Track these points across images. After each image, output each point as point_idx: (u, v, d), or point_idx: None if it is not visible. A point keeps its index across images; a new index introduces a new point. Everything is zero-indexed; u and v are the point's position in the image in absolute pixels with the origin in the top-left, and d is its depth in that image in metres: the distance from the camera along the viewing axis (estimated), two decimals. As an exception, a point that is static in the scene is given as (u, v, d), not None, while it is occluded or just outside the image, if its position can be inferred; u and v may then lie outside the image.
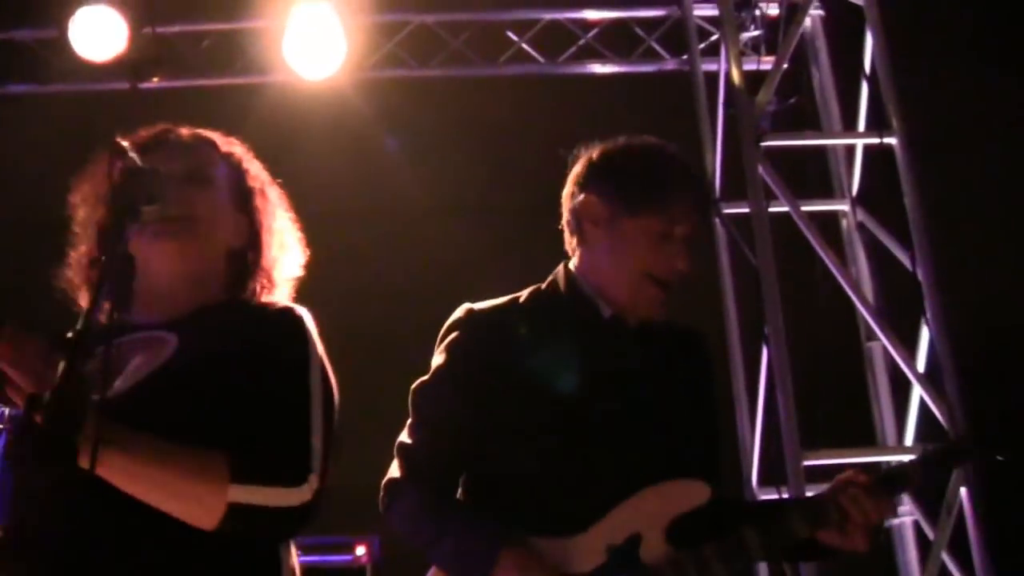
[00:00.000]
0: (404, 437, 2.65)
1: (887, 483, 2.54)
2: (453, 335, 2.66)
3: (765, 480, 5.68)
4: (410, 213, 6.64)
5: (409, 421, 2.67)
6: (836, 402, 6.16)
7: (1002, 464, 2.50)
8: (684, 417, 2.65)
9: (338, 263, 6.30)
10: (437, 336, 2.74)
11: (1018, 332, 5.93)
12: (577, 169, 2.76)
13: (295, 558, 2.42)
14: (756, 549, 2.48)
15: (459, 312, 2.69)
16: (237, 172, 2.57)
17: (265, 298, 2.53)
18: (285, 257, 2.59)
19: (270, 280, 2.55)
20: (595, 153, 2.74)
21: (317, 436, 2.28)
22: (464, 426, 2.59)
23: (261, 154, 2.69)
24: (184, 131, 2.58)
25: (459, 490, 2.66)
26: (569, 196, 2.74)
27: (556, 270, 2.76)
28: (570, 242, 2.75)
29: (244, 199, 2.55)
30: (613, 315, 2.66)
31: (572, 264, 2.74)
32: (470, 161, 6.80)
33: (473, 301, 2.74)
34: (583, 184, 2.71)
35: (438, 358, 2.67)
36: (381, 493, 2.65)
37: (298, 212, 2.69)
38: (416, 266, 6.58)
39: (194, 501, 2.14)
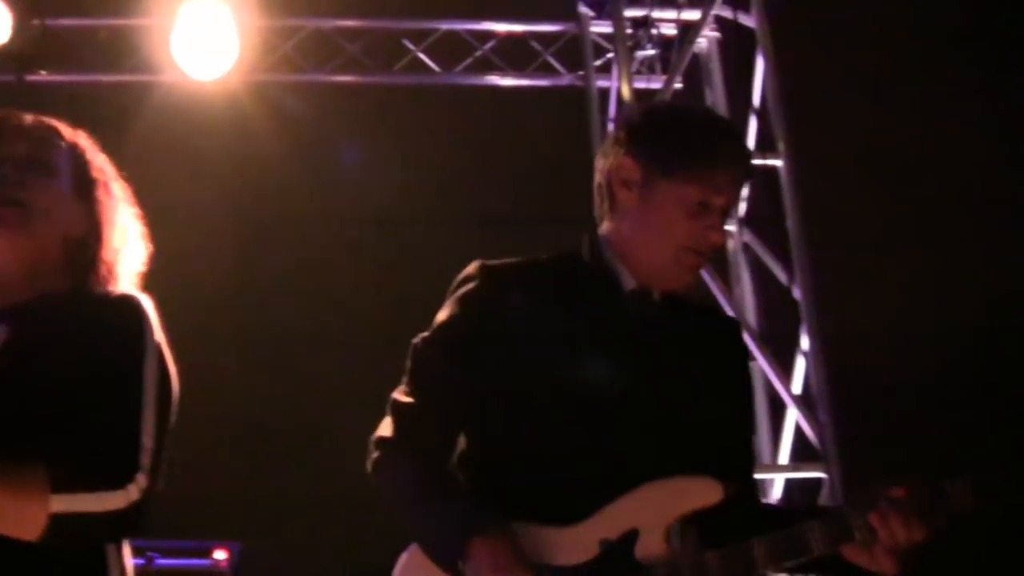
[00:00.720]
0: (400, 394, 2.44)
1: (928, 503, 2.21)
2: (466, 287, 2.44)
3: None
4: (297, 216, 6.60)
5: (406, 377, 2.45)
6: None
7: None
8: (708, 405, 2.41)
9: (222, 260, 6.27)
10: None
11: (898, 356, 6.06)
12: (615, 131, 2.56)
13: (128, 558, 2.36)
14: (764, 562, 2.22)
15: (472, 267, 2.47)
16: (80, 162, 2.52)
17: (105, 289, 2.49)
18: (127, 250, 2.55)
19: (111, 272, 2.50)
20: (635, 115, 2.56)
21: (148, 433, 2.23)
22: (464, 391, 2.39)
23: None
24: (27, 117, 2.52)
25: (454, 458, 2.46)
26: (602, 157, 2.53)
27: (583, 236, 2.53)
28: (599, 207, 2.52)
29: (86, 189, 2.50)
30: (637, 287, 2.44)
31: (601, 231, 2.51)
32: (366, 166, 6.79)
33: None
34: (619, 145, 2.48)
35: (445, 311, 2.45)
36: (370, 449, 2.44)
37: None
38: (293, 266, 6.54)
39: (14, 516, 2.09)
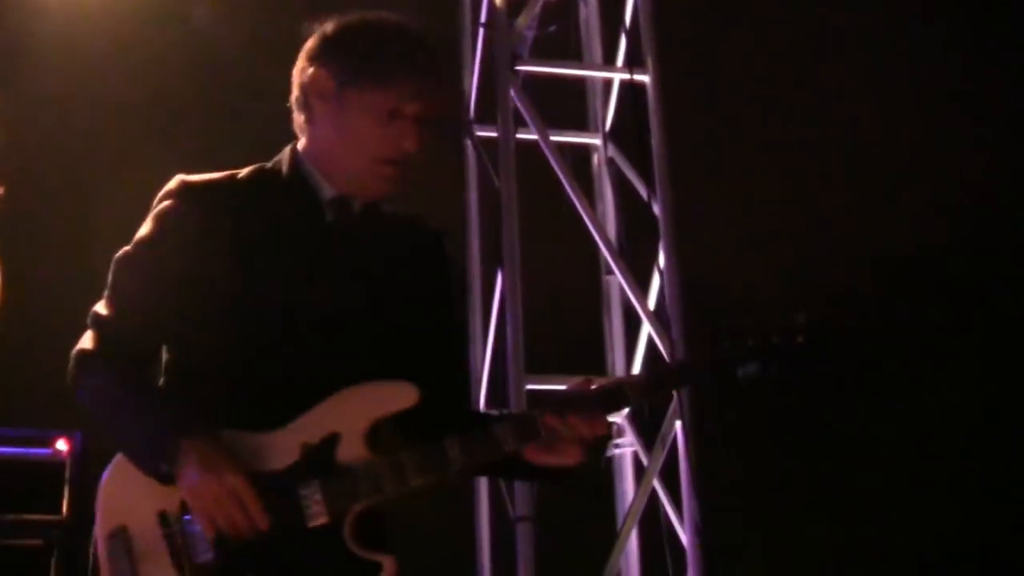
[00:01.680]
0: (99, 307, 2.46)
1: (602, 399, 2.37)
2: (164, 204, 2.48)
3: (492, 405, 5.76)
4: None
5: (106, 292, 2.48)
6: (572, 333, 6.28)
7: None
8: (409, 314, 2.49)
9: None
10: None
11: (750, 274, 6.17)
12: (309, 43, 2.55)
13: None
14: (456, 460, 2.32)
15: (172, 183, 2.50)
16: None
17: None
18: None
19: None
20: (329, 26, 2.53)
21: None
22: (163, 302, 2.42)
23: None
24: None
25: (161, 375, 2.49)
26: (299, 71, 2.54)
27: (283, 151, 2.58)
28: (298, 120, 2.55)
29: None
30: (336, 197, 2.49)
31: (300, 144, 2.56)
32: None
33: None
34: (313, 58, 2.51)
35: (145, 228, 2.49)
36: (70, 364, 2.44)
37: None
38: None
39: None
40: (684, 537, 5.32)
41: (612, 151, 6.16)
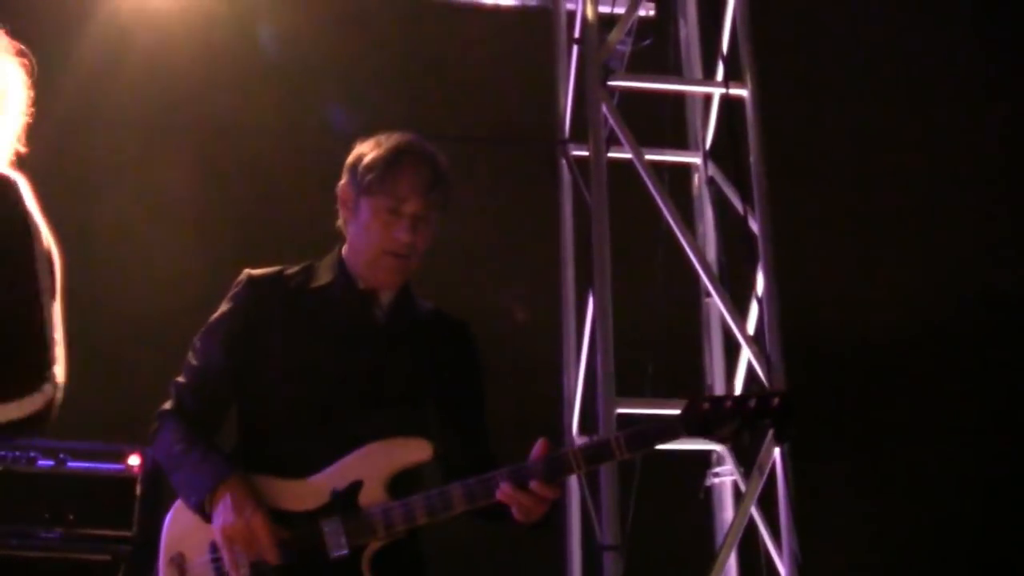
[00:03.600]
0: (179, 376, 2.97)
1: (550, 466, 2.72)
2: (234, 291, 3.01)
3: (584, 429, 5.65)
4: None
5: (185, 363, 2.98)
6: (670, 356, 6.14)
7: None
8: (427, 383, 2.97)
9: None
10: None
11: (855, 302, 5.97)
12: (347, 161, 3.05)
13: None
14: (459, 502, 2.73)
15: (241, 275, 3.03)
16: None
17: None
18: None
19: None
20: (356, 145, 3.04)
21: (51, 325, 2.26)
22: (227, 370, 2.92)
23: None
24: None
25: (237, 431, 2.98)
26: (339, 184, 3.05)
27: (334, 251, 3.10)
28: (341, 228, 3.05)
29: None
30: (365, 289, 2.97)
31: (343, 248, 3.06)
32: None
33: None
34: (344, 171, 3.02)
35: (219, 310, 3.00)
36: (152, 423, 2.96)
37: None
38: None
39: None
40: (782, 569, 5.13)
41: (712, 170, 6.02)
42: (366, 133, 3.05)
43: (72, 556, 4.22)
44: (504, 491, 2.68)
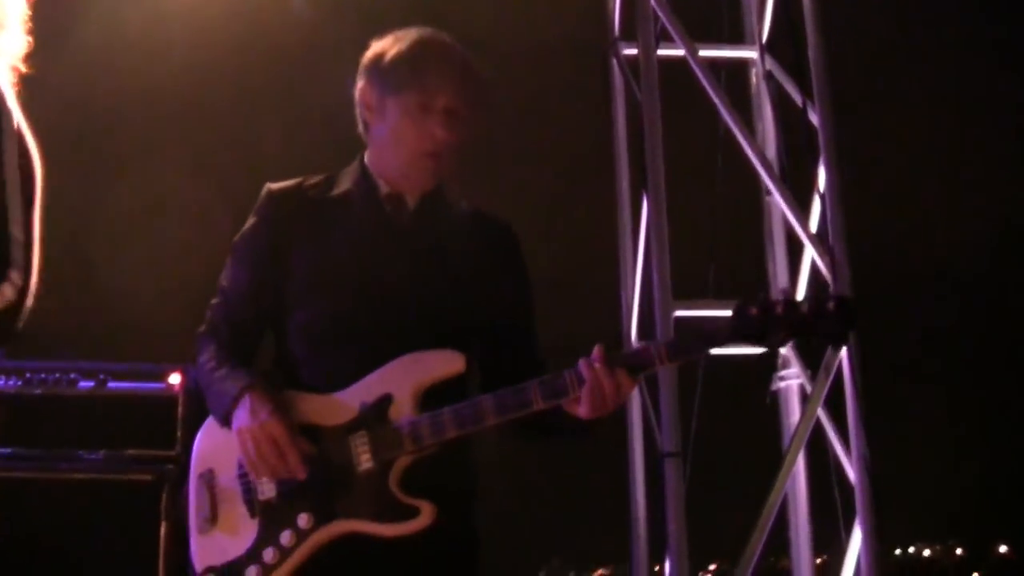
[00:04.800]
0: (215, 297, 2.88)
1: (628, 359, 2.58)
2: (256, 206, 2.90)
3: (642, 333, 5.53)
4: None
5: (218, 282, 2.89)
6: (735, 257, 5.98)
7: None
8: (466, 288, 2.81)
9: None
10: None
11: (917, 194, 5.74)
12: (362, 62, 2.90)
13: None
14: (490, 414, 2.59)
15: (263, 190, 2.90)
16: None
17: None
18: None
19: None
20: (372, 45, 2.88)
21: (16, 223, 2.09)
22: (253, 289, 2.82)
23: None
24: None
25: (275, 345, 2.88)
26: (356, 89, 2.89)
27: (355, 159, 2.95)
28: (362, 134, 2.90)
29: None
30: (390, 193, 2.82)
31: (365, 152, 2.91)
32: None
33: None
34: (360, 74, 2.87)
35: (245, 225, 2.89)
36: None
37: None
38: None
39: None
40: (852, 473, 4.99)
41: (770, 64, 5.79)
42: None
43: (116, 477, 4.18)
44: (582, 370, 2.53)
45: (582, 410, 2.55)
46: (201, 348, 2.82)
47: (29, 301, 2.10)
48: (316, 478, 2.59)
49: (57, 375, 4.28)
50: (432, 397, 2.63)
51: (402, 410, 2.61)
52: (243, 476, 2.65)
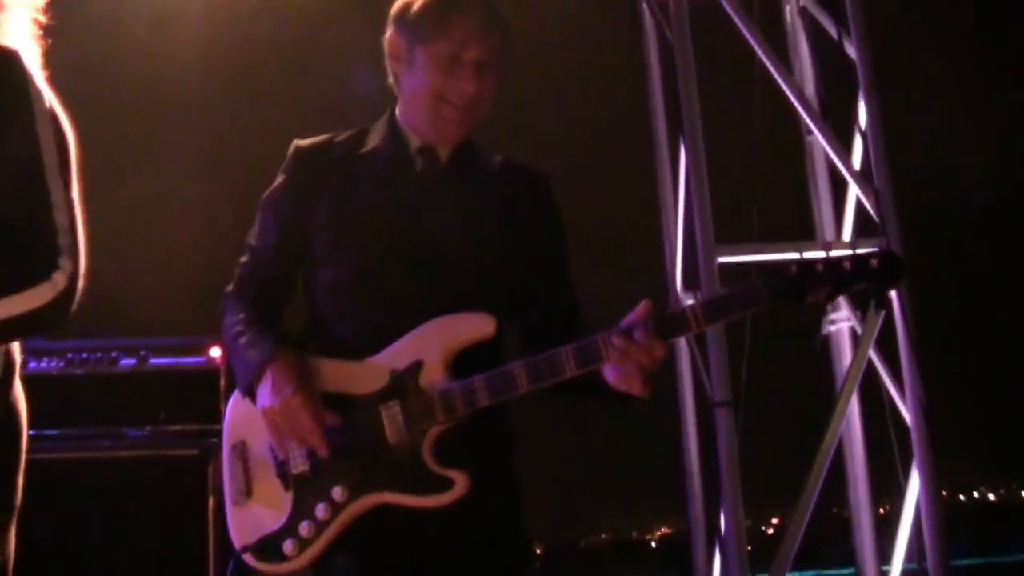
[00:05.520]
0: (243, 255, 2.80)
1: (663, 324, 2.44)
2: (285, 163, 2.82)
3: (687, 280, 5.43)
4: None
5: (246, 240, 2.82)
6: (778, 199, 5.87)
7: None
8: (499, 244, 2.71)
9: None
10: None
11: (959, 124, 5.58)
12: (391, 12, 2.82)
13: (15, 351, 2.29)
14: (523, 382, 2.49)
15: (291, 147, 2.83)
16: None
17: None
18: None
19: None
20: None
21: (61, 210, 2.09)
22: (281, 247, 2.75)
23: None
24: None
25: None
26: (384, 41, 2.81)
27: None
28: (392, 86, 2.81)
29: None
30: (421, 146, 2.74)
31: (397, 105, 2.83)
32: None
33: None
34: (389, 25, 2.79)
35: (274, 183, 2.82)
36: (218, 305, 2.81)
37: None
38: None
39: None
40: (907, 413, 4.88)
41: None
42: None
43: (161, 453, 4.17)
44: (614, 343, 2.40)
45: (611, 378, 2.44)
46: (227, 308, 2.76)
47: (81, 283, 2.12)
48: (348, 450, 2.53)
49: (99, 354, 4.27)
50: (463, 359, 2.56)
51: (433, 376, 2.53)
52: (275, 448, 2.60)
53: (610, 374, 2.44)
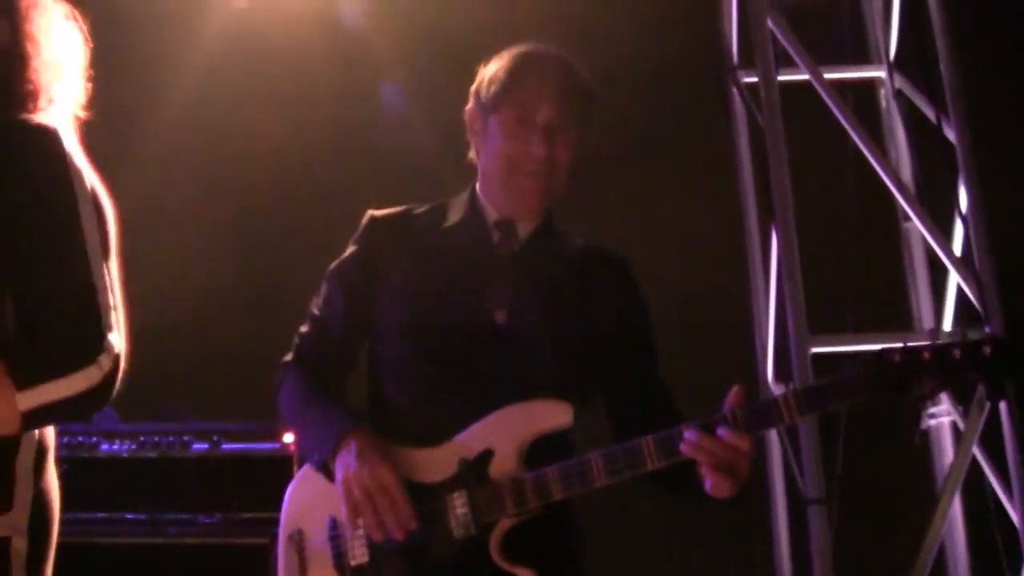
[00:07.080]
0: (304, 324, 2.74)
1: (753, 416, 2.30)
2: (358, 234, 2.75)
3: (779, 372, 5.23)
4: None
5: (308, 310, 2.75)
6: (874, 287, 5.66)
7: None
8: (576, 335, 2.58)
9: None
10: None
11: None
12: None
13: (49, 434, 2.16)
14: (599, 474, 2.35)
15: (364, 218, 2.76)
16: None
17: (33, 117, 2.16)
18: (59, 76, 2.24)
19: (39, 94, 2.19)
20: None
21: (103, 290, 2.04)
22: (348, 320, 2.66)
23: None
24: None
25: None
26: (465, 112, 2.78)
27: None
28: (473, 160, 2.76)
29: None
30: (499, 220, 2.65)
31: (477, 181, 2.76)
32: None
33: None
34: (470, 97, 2.74)
35: (344, 255, 2.76)
36: (275, 376, 2.72)
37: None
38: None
39: None
40: (1014, 514, 4.62)
41: (900, 82, 5.49)
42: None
43: (233, 541, 4.12)
44: (689, 440, 2.26)
45: (708, 485, 2.29)
46: (286, 379, 2.66)
47: (123, 366, 2.06)
48: (411, 541, 2.38)
49: (171, 438, 4.24)
50: (536, 449, 2.43)
51: (504, 467, 2.40)
52: (334, 538, 2.48)
53: (701, 468, 2.29)
